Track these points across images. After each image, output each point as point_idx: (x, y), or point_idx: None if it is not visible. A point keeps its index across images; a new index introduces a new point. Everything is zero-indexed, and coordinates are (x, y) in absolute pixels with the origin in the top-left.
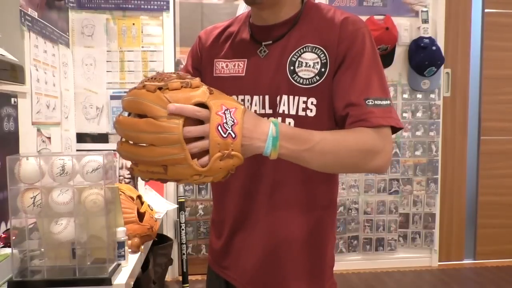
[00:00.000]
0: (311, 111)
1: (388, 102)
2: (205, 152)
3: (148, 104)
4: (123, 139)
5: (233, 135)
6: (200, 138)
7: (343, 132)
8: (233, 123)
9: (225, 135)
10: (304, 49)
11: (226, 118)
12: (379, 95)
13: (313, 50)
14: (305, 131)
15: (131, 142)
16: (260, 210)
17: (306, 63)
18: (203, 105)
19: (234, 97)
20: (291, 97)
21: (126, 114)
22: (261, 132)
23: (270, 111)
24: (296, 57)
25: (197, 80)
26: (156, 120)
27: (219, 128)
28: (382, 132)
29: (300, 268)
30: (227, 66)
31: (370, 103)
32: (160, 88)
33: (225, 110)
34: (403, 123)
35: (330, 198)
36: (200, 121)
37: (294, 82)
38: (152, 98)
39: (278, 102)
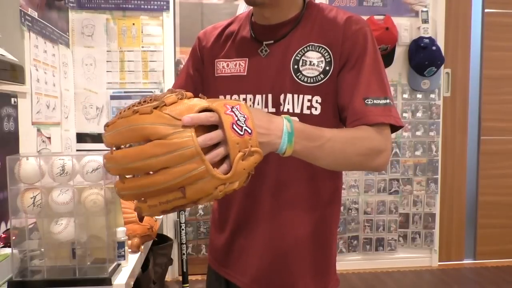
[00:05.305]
0: (315, 109)
1: (387, 101)
2: (221, 159)
3: (150, 126)
4: (122, 177)
5: (249, 131)
6: (212, 146)
7: (350, 131)
8: (245, 119)
9: (241, 132)
10: (308, 48)
11: (236, 116)
12: (378, 95)
13: (317, 49)
14: (315, 128)
15: (132, 176)
16: (264, 209)
17: (311, 61)
18: (205, 111)
19: (236, 96)
20: (295, 96)
21: (115, 149)
22: (276, 127)
23: (273, 110)
24: (299, 55)
25: (188, 92)
26: (165, 140)
27: (234, 126)
28: (384, 131)
29: (306, 265)
30: (228, 65)
31: (369, 102)
32: (155, 108)
33: (231, 108)
34: (403, 122)
35: (334, 196)
36: (207, 129)
37: (298, 81)
38: (152, 119)
39: (282, 101)
